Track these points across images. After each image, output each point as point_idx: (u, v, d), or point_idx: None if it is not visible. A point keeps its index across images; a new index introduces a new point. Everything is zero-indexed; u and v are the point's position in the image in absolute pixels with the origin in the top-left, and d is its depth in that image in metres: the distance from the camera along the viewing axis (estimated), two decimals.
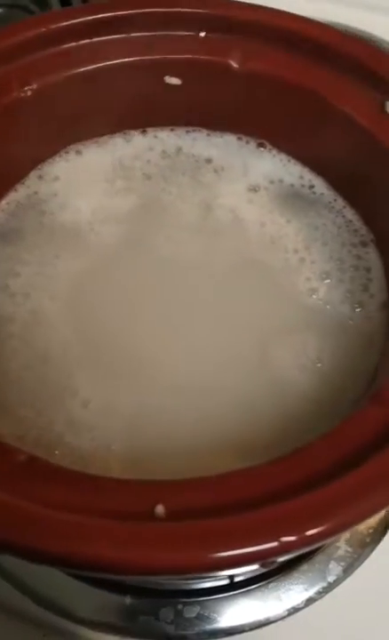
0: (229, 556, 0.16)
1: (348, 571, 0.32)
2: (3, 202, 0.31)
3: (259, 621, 0.32)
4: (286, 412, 0.24)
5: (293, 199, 0.31)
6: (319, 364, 0.26)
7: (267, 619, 0.32)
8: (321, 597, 0.32)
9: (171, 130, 0.34)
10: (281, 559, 0.17)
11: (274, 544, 0.16)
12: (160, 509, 0.17)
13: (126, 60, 0.31)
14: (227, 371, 0.26)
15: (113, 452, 0.24)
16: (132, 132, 0.33)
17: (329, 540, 0.17)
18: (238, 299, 0.28)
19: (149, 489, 0.18)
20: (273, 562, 0.17)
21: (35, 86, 0.29)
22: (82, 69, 0.30)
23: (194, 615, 0.31)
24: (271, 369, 0.26)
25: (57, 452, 0.24)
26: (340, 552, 0.33)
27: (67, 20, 0.30)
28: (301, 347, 0.26)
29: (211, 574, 0.17)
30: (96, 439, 0.24)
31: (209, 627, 0.31)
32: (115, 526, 0.16)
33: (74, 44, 0.30)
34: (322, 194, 0.31)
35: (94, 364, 0.26)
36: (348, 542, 0.33)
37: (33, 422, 0.25)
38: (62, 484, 0.18)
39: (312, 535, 0.17)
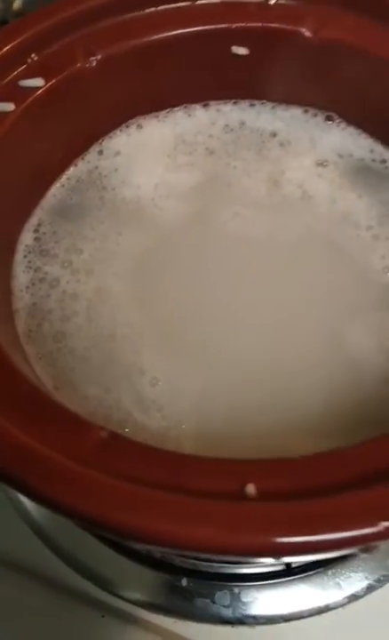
0: (330, 540, 0.15)
1: None
2: (64, 177, 0.31)
3: (318, 608, 0.31)
4: (364, 394, 0.24)
5: (364, 174, 0.30)
6: None
7: (326, 605, 0.31)
8: (383, 585, 0.31)
9: (234, 103, 0.32)
10: (382, 545, 0.16)
11: (375, 529, 0.15)
12: (251, 489, 0.17)
13: (192, 29, 0.29)
14: (299, 350, 0.25)
15: (184, 431, 0.23)
16: (194, 105, 0.32)
17: None
18: (309, 277, 0.27)
19: (238, 468, 0.17)
20: (374, 547, 0.16)
21: (99, 56, 0.28)
22: (146, 39, 0.29)
23: (250, 599, 0.31)
24: (346, 349, 0.25)
25: (127, 430, 0.23)
26: None
27: None
28: (377, 326, 0.25)
29: (310, 557, 0.16)
30: (166, 418, 0.24)
31: (266, 612, 0.31)
32: (210, 505, 0.16)
33: (138, 12, 0.29)
34: None
35: (161, 342, 0.26)
36: None
37: (101, 400, 0.24)
38: (147, 460, 0.18)
39: None
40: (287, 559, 0.16)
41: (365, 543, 0.16)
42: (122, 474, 0.17)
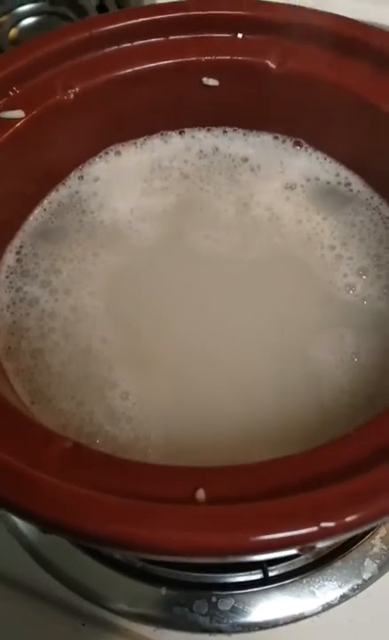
0: (270, 540, 0.16)
1: (383, 568, 0.32)
2: (45, 201, 0.32)
3: (294, 616, 0.32)
4: (322, 405, 0.25)
5: (329, 196, 0.31)
6: (356, 359, 0.26)
7: (302, 614, 0.32)
8: (356, 594, 0.32)
9: (208, 130, 0.34)
10: (320, 545, 0.17)
11: (314, 529, 0.17)
12: (201, 494, 0.18)
13: (165, 62, 0.31)
14: (264, 364, 0.26)
15: (152, 442, 0.25)
16: (170, 132, 0.34)
17: (366, 528, 0.17)
18: (275, 294, 0.28)
19: (190, 474, 0.19)
20: (313, 547, 0.17)
21: (77, 89, 0.30)
22: (122, 72, 0.31)
23: (228, 608, 0.32)
24: (308, 362, 0.26)
25: (98, 442, 0.25)
26: (375, 550, 0.33)
27: (108, 25, 0.31)
28: (338, 341, 0.27)
29: (253, 557, 0.17)
30: (135, 430, 0.25)
31: (243, 620, 0.32)
32: (158, 509, 0.17)
33: (115, 47, 0.31)
34: (359, 191, 0.31)
35: (133, 358, 0.27)
36: (383, 540, 0.33)
37: (74, 413, 0.26)
38: (105, 469, 0.19)
39: (351, 521, 0.17)
40: (232, 559, 0.17)
41: (305, 543, 0.17)
42: (82, 481, 0.18)
